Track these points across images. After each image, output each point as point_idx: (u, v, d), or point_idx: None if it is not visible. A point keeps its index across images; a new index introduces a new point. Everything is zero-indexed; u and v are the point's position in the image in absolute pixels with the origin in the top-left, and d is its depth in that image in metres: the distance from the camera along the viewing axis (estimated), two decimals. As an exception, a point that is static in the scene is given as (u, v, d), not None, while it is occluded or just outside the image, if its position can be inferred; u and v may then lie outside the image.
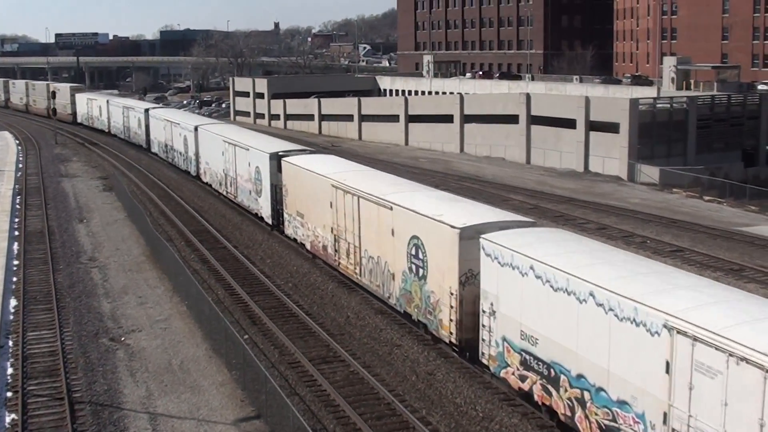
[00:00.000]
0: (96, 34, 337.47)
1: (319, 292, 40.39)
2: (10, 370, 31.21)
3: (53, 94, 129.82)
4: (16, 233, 54.10)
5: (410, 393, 28.84)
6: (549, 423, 25.90)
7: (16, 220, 58.14)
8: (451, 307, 30.09)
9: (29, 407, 28.09)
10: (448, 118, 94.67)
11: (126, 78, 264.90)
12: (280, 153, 50.74)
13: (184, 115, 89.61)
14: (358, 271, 38.60)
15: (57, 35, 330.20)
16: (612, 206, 60.13)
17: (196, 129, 68.78)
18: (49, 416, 27.46)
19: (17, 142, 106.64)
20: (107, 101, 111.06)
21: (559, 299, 24.29)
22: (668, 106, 78.32)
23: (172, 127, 77.54)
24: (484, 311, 28.33)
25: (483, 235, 28.23)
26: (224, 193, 61.96)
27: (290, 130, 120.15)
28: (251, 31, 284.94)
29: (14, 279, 43.30)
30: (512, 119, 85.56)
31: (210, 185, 66.19)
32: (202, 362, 31.80)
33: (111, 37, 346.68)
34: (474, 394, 28.19)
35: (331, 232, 41.15)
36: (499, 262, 27.10)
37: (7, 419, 27.24)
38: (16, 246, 50.61)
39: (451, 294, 30.03)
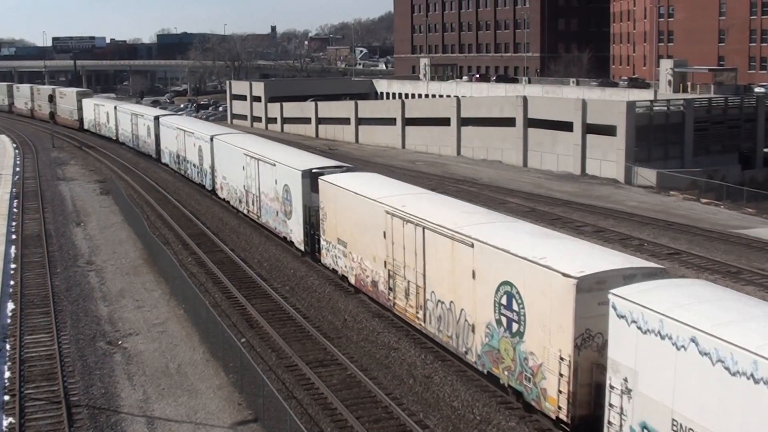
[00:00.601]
0: (93, 37, 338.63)
1: (316, 295, 40.37)
2: (7, 374, 31.17)
3: (50, 98, 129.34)
4: (14, 237, 54.07)
5: (407, 396, 28.84)
6: (546, 426, 25.90)
7: (14, 223, 58.10)
8: (561, 375, 24.39)
9: (27, 411, 28.06)
10: (444, 121, 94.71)
11: (123, 81, 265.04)
12: (314, 170, 44.84)
13: (198, 123, 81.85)
14: (421, 316, 32.59)
15: (54, 39, 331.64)
16: (609, 209, 60.15)
17: (211, 139, 63.59)
18: (47, 420, 27.44)
19: (14, 145, 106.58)
20: (115, 107, 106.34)
21: (740, 387, 18.51)
22: (665, 108, 78.32)
23: (185, 136, 71.95)
24: (613, 387, 22.46)
25: (614, 291, 22.42)
26: (244, 211, 56.36)
27: (287, 134, 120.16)
28: (248, 34, 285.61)
29: (11, 282, 43.27)
30: (509, 122, 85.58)
31: (228, 202, 60.47)
32: (199, 366, 31.79)
33: (108, 41, 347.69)
34: (471, 397, 28.19)
35: (384, 266, 35.50)
36: (640, 328, 21.25)
37: (5, 423, 27.21)
38: (13, 249, 50.57)
39: (562, 359, 24.31)
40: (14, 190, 71.54)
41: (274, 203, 49.74)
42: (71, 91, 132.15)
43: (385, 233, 35.10)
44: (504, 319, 26.91)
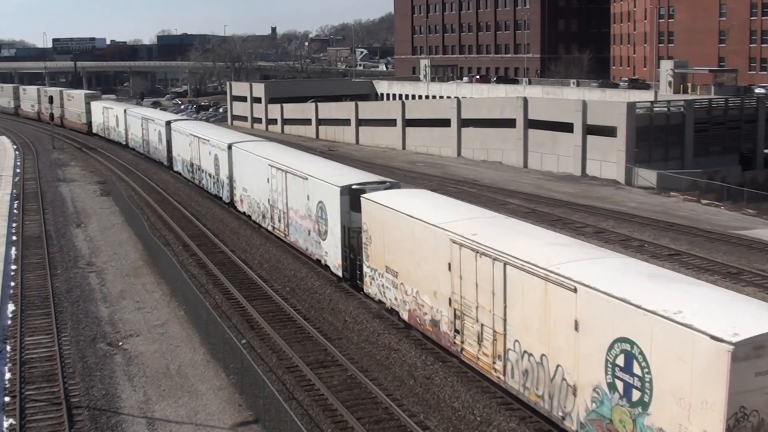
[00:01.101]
0: (93, 39, 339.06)
1: (317, 297, 40.37)
2: (8, 375, 31.17)
3: (51, 99, 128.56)
4: (14, 238, 54.07)
5: (408, 397, 28.83)
6: (547, 427, 25.89)
7: (14, 224, 58.10)
8: None
9: (27, 412, 28.06)
10: (445, 122, 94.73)
11: (123, 83, 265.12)
12: (355, 186, 39.82)
13: (213, 129, 75.46)
14: (499, 367, 27.61)
15: (54, 40, 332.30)
16: (609, 210, 60.14)
17: (230, 147, 58.88)
18: (47, 421, 27.43)
19: (15, 146, 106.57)
20: (124, 111, 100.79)
21: None
22: (665, 109, 78.32)
23: (200, 143, 66.70)
24: None
25: None
26: (268, 228, 51.28)
27: (287, 135, 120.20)
28: (248, 35, 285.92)
29: (12, 284, 43.26)
30: (509, 123, 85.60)
31: (249, 216, 55.67)
32: (199, 367, 31.78)
33: (108, 42, 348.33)
34: (472, 398, 28.18)
35: (449, 304, 30.22)
36: None
37: (5, 424, 27.20)
38: (13, 251, 50.57)
39: None
40: (15, 191, 71.53)
41: (306, 221, 44.64)
42: (79, 93, 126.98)
43: (450, 266, 29.74)
44: (620, 384, 22.04)
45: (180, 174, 75.55)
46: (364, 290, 38.14)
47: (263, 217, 52.31)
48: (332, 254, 41.46)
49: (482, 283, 27.90)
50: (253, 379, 27.55)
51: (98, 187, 74.58)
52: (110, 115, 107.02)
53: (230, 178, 59.31)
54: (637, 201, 64.96)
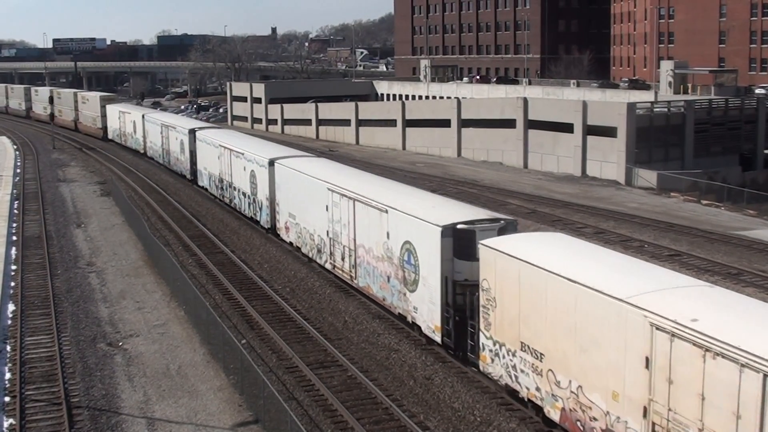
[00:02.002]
0: (93, 39, 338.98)
1: (317, 297, 40.36)
2: (8, 375, 31.18)
3: (50, 100, 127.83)
4: (14, 238, 54.07)
5: (408, 397, 28.83)
6: (547, 428, 25.88)
7: (14, 225, 58.11)
8: None
9: (27, 412, 28.06)
10: (445, 123, 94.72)
11: (123, 83, 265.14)
12: (461, 226, 30.64)
13: (249, 141, 63.42)
14: None
15: (55, 40, 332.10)
16: (610, 210, 60.14)
17: (271, 164, 50.34)
18: (47, 421, 27.44)
19: (15, 147, 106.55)
20: (142, 116, 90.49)
21: None
22: (666, 110, 78.34)
23: (232, 157, 58.21)
24: None
25: None
26: (326, 265, 42.23)
27: (288, 135, 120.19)
28: (248, 36, 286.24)
29: (12, 284, 43.27)
30: (509, 124, 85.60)
31: (297, 248, 46.60)
32: (199, 367, 31.78)
33: (108, 43, 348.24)
34: (472, 398, 28.17)
35: (643, 415, 21.40)
36: None
37: (6, 424, 27.21)
38: (14, 251, 50.57)
39: None
40: (15, 191, 71.52)
41: (383, 265, 35.68)
42: (94, 96, 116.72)
43: (648, 361, 20.87)
44: None
45: (206, 190, 66.72)
46: (481, 367, 28.92)
47: (318, 251, 43.23)
48: (425, 312, 32.25)
49: (714, 397, 19.17)
50: (253, 379, 27.55)
51: (98, 187, 74.57)
52: (127, 120, 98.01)
53: (271, 200, 50.43)
54: (637, 201, 64.95)
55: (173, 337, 35.23)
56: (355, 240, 38.43)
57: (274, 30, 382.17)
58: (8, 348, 34.04)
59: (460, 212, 32.90)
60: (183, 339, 34.97)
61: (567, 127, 78.83)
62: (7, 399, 29.12)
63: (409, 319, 33.75)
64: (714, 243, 50.01)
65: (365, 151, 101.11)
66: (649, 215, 58.43)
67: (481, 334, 28.46)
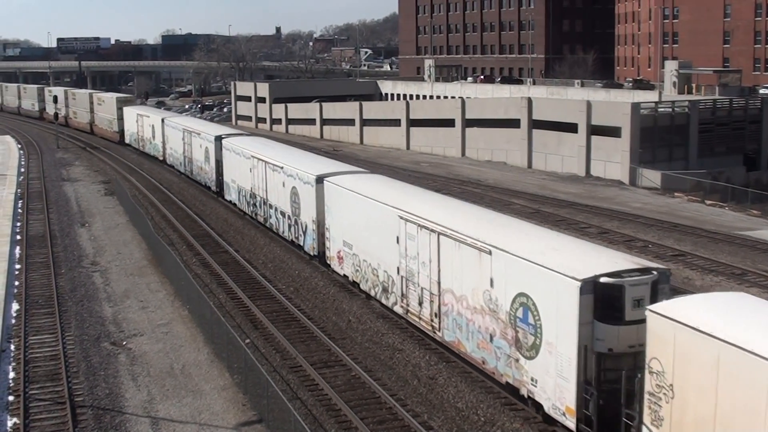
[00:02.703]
0: (98, 38, 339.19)
1: (321, 296, 40.35)
2: (11, 374, 31.22)
3: (55, 99, 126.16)
4: (18, 237, 54.14)
5: (412, 397, 28.82)
6: (551, 429, 25.86)
7: (18, 224, 58.16)
8: None
9: (31, 411, 28.09)
10: (449, 123, 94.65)
11: (128, 82, 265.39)
12: (605, 279, 24.03)
13: (287, 152, 55.91)
14: None
15: (59, 40, 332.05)
16: (614, 210, 60.08)
17: (319, 181, 42.97)
18: (51, 420, 27.47)
19: (19, 146, 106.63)
20: (162, 120, 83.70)
21: None
22: (670, 110, 78.25)
23: (268, 170, 51.20)
24: None
25: None
26: (395, 308, 35.51)
27: (292, 135, 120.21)
28: (253, 35, 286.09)
29: (16, 283, 43.32)
30: (514, 123, 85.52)
31: (354, 283, 39.54)
32: (203, 366, 31.79)
33: (113, 42, 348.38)
34: (476, 398, 28.16)
35: None
36: None
37: (9, 423, 27.24)
38: (18, 250, 50.65)
39: None
40: (19, 190, 71.60)
41: (484, 319, 28.57)
42: (111, 97, 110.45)
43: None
44: None
45: (234, 204, 60.39)
46: None
47: (384, 290, 36.53)
48: (549, 387, 25.44)
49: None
50: (257, 378, 27.54)
51: (102, 186, 74.62)
52: (145, 123, 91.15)
53: (319, 223, 43.37)
54: (641, 201, 64.88)
55: (177, 337, 35.25)
56: (439, 283, 31.52)
57: (278, 29, 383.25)
58: (12, 347, 34.08)
59: (598, 259, 25.90)
60: (187, 338, 34.99)
61: (571, 127, 78.75)
62: (11, 398, 29.16)
63: (524, 392, 26.84)
64: (718, 243, 49.94)
65: (369, 150, 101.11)
66: (653, 215, 58.37)
67: (644, 429, 21.75)
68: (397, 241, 34.34)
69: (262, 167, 52.15)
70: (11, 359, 32.73)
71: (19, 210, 63.13)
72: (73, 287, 42.79)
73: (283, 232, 49.22)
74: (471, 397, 28.28)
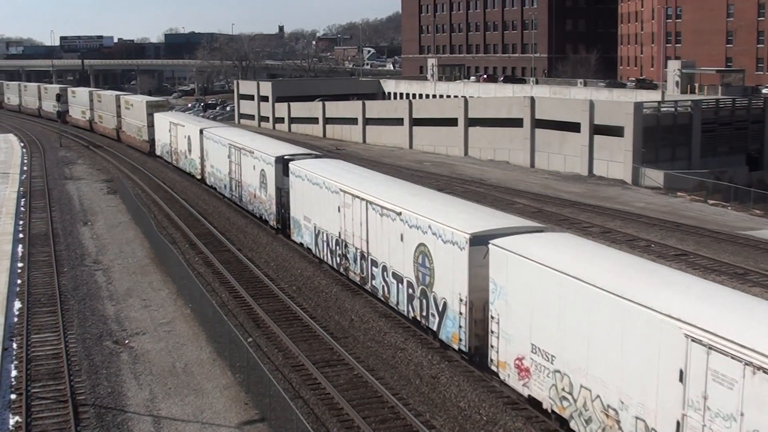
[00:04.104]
0: (101, 37, 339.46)
1: (324, 295, 40.35)
2: (14, 373, 31.22)
3: (58, 97, 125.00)
4: (21, 236, 54.15)
5: (414, 396, 28.82)
6: (552, 427, 25.85)
7: (21, 222, 58.17)
8: None
9: (33, 410, 28.10)
10: (452, 122, 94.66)
11: (131, 81, 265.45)
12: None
13: (404, 190, 39.19)
14: None
15: (62, 38, 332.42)
16: (616, 210, 60.07)
17: (479, 242, 29.22)
18: (53, 419, 27.47)
19: (22, 144, 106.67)
20: (200, 131, 69.10)
21: None
22: (673, 109, 78.25)
23: (364, 208, 37.85)
24: None
25: None
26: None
27: (294, 133, 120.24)
28: (256, 34, 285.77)
29: (18, 281, 43.34)
30: (516, 123, 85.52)
31: (502, 379, 27.99)
32: (206, 365, 31.80)
33: (116, 40, 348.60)
34: (478, 397, 28.15)
35: None
36: None
37: (11, 421, 27.26)
38: (20, 248, 50.65)
39: None
40: (22, 189, 71.64)
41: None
42: (140, 101, 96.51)
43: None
44: None
45: (308, 250, 46.15)
46: None
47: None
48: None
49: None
50: (259, 377, 27.55)
51: (105, 185, 74.66)
52: (179, 134, 77.28)
53: (484, 310, 29.09)
54: (644, 201, 64.87)
55: (179, 335, 35.26)
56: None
57: (281, 28, 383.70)
58: (14, 345, 34.09)
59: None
60: (189, 337, 35.00)
61: (574, 127, 78.73)
62: (13, 396, 29.16)
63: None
64: (720, 243, 49.92)
65: (372, 149, 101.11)
66: (655, 215, 58.35)
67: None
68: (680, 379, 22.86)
69: (361, 208, 38.31)
70: (13, 357, 32.74)
71: (22, 208, 63.14)
72: (75, 286, 42.80)
73: (389, 296, 36.02)
74: (473, 396, 28.27)
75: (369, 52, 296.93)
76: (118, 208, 63.62)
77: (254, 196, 55.53)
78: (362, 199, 38.25)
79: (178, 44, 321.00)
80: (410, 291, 33.88)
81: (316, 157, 51.54)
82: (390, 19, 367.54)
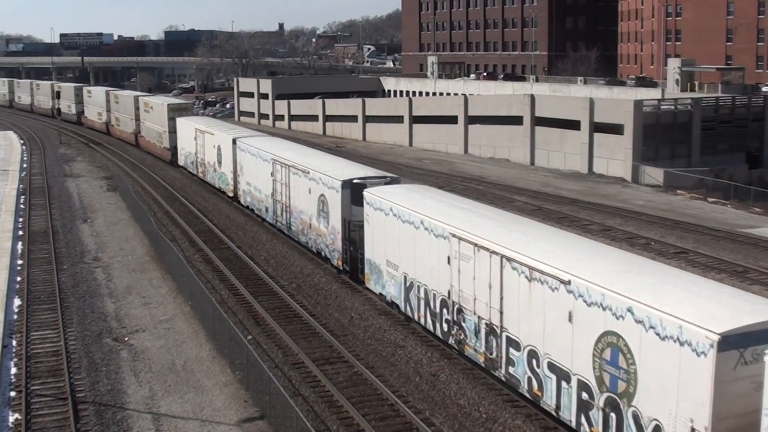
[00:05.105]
0: (101, 34, 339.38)
1: (323, 293, 40.35)
2: (13, 370, 31.22)
3: (58, 95, 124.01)
4: (20, 233, 54.13)
5: (414, 394, 28.82)
6: (552, 425, 25.87)
7: (21, 219, 58.15)
8: None
9: (33, 407, 28.10)
10: (452, 119, 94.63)
11: (130, 78, 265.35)
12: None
13: (536, 233, 29.97)
14: None
15: (62, 35, 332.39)
16: (616, 208, 60.06)
17: (719, 345, 19.58)
18: (53, 416, 27.47)
19: (21, 141, 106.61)
20: (233, 141, 59.73)
21: None
22: (673, 107, 78.24)
23: (502, 265, 27.40)
24: None
25: None
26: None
27: (294, 131, 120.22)
28: (256, 31, 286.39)
29: (18, 279, 43.33)
30: (516, 120, 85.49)
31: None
32: (205, 362, 31.80)
33: (116, 38, 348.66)
34: (477, 395, 28.15)
35: None
36: None
37: (11, 419, 27.25)
38: (20, 246, 50.64)
39: None
40: (21, 186, 71.61)
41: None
42: (161, 104, 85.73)
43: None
44: None
45: (392, 303, 36.27)
46: None
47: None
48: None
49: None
50: (259, 375, 27.57)
51: (105, 182, 74.62)
52: (207, 143, 67.24)
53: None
54: (643, 199, 64.86)
55: (179, 333, 35.25)
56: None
57: (281, 26, 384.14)
58: (14, 343, 34.08)
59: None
60: (189, 334, 35.00)
61: (574, 124, 78.73)
62: (12, 394, 29.16)
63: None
64: (720, 241, 49.93)
65: (372, 147, 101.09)
66: (655, 212, 58.35)
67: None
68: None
69: (491, 264, 28.03)
70: (13, 355, 32.73)
71: (22, 206, 63.12)
72: (75, 283, 42.79)
73: (569, 419, 24.97)
74: (473, 393, 28.28)
75: (369, 49, 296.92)
76: (117, 205, 63.58)
77: (309, 225, 45.63)
78: (493, 252, 27.94)
79: (178, 41, 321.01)
80: (584, 396, 24.20)
81: (392, 181, 41.89)
82: (390, 17, 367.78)
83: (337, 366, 31.23)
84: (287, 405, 24.73)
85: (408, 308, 34.67)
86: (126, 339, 34.66)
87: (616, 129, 74.83)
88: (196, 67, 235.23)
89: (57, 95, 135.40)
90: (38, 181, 75.24)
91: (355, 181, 41.06)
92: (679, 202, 64.29)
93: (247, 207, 57.64)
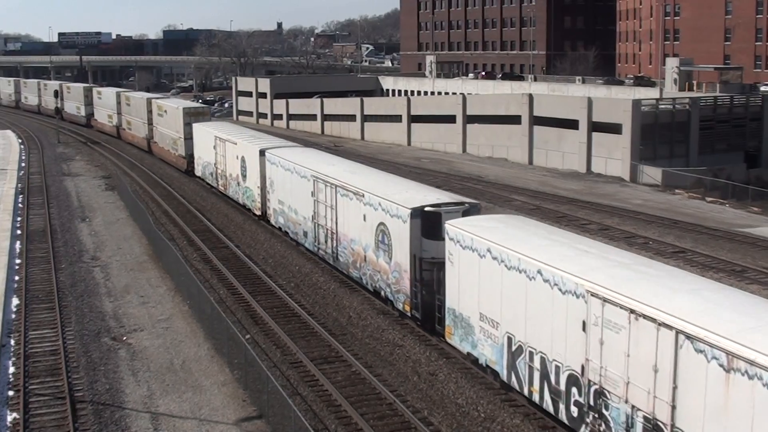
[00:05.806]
0: (99, 33, 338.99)
1: (322, 292, 40.34)
2: (11, 369, 31.20)
3: (57, 93, 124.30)
4: (19, 232, 54.10)
5: (412, 393, 28.82)
6: (551, 424, 25.87)
7: (19, 218, 58.12)
8: None
9: (31, 406, 28.08)
10: (450, 119, 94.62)
11: (129, 77, 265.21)
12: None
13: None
14: None
15: (60, 34, 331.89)
16: (614, 207, 60.07)
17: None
18: (51, 415, 27.45)
19: (20, 140, 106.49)
20: (261, 152, 52.77)
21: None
22: (671, 107, 78.29)
23: (675, 345, 20.12)
24: None
25: None
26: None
27: (293, 130, 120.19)
28: (254, 31, 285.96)
29: (16, 278, 43.29)
30: (515, 120, 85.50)
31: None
32: (203, 362, 31.79)
33: (114, 37, 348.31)
34: (476, 394, 28.16)
35: None
36: None
37: (9, 418, 27.23)
38: (18, 245, 50.60)
39: None
40: (19, 185, 71.56)
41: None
42: (176, 107, 78.55)
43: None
44: None
45: (486, 367, 29.00)
46: None
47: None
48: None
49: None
50: (258, 374, 27.56)
51: (103, 181, 74.57)
52: (228, 153, 60.48)
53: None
54: (642, 198, 64.88)
55: (177, 332, 35.24)
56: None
57: (279, 25, 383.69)
58: (12, 342, 34.05)
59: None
60: (187, 334, 34.99)
61: (572, 124, 78.76)
62: (11, 393, 29.13)
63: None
64: (718, 240, 49.95)
65: (370, 146, 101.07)
66: (653, 212, 58.36)
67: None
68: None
69: (662, 342, 20.76)
70: (11, 354, 32.71)
71: (20, 205, 63.08)
72: (73, 282, 42.77)
73: None
74: (471, 393, 28.28)
75: (367, 48, 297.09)
76: (115, 204, 63.52)
77: (363, 258, 38.38)
78: (663, 324, 20.71)
79: (177, 41, 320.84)
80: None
81: (471, 208, 34.01)
82: (388, 16, 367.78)
83: (336, 365, 31.23)
84: (285, 404, 24.74)
85: (513, 378, 27.13)
86: (124, 338, 34.65)
87: (614, 128, 74.87)
88: (195, 67, 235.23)
89: (60, 95, 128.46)
90: (36, 180, 75.19)
91: (427, 209, 33.72)
92: (677, 201, 64.31)
93: (279, 228, 50.80)
